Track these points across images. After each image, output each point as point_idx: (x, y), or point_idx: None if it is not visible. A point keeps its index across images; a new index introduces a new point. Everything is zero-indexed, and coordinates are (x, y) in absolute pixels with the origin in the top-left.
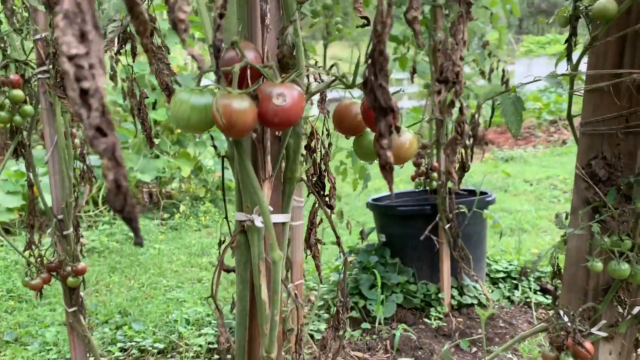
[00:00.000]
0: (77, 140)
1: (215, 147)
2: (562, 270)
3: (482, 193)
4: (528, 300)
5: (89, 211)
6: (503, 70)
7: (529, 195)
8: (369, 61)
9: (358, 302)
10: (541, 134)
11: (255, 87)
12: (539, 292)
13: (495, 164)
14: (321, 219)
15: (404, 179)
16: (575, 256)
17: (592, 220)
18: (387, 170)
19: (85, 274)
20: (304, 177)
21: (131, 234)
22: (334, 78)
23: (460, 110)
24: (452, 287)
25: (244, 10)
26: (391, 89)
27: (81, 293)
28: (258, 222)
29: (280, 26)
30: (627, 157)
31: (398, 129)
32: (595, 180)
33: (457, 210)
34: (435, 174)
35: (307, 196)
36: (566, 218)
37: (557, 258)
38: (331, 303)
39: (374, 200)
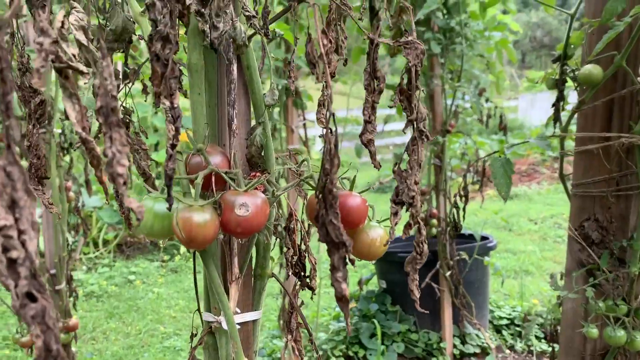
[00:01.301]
0: (71, 194)
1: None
2: (558, 332)
3: (484, 238)
4: (532, 348)
5: (88, 253)
6: (501, 117)
7: (533, 234)
8: (320, 196)
9: (358, 352)
10: (545, 170)
11: (219, 197)
12: (543, 340)
13: (495, 210)
14: (302, 301)
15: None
16: (571, 319)
17: (586, 283)
18: (343, 302)
19: (77, 329)
20: (285, 259)
21: (130, 277)
22: (300, 178)
23: (419, 230)
24: (454, 335)
25: (213, 112)
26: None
27: (73, 349)
28: (225, 324)
29: (249, 126)
30: (619, 220)
31: (353, 262)
32: (588, 242)
33: (458, 257)
34: (434, 221)
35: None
36: (561, 278)
37: (553, 320)
38: (330, 354)
39: None
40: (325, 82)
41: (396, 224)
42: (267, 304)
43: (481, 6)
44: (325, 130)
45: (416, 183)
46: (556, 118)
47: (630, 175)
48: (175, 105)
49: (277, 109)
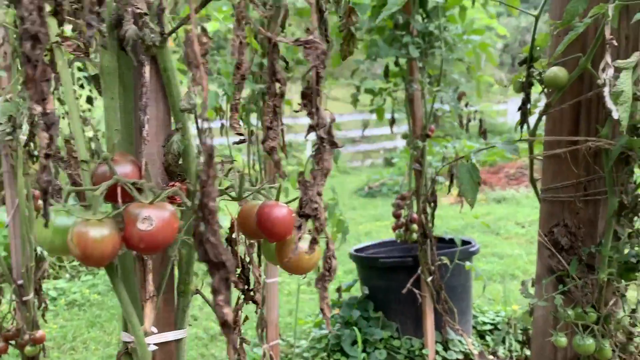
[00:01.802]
0: (40, 202)
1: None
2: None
3: (466, 242)
4: (514, 354)
5: (73, 261)
6: (480, 121)
7: (520, 238)
8: (199, 213)
9: (340, 359)
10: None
11: (122, 209)
12: (526, 346)
13: (476, 214)
14: (247, 317)
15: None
16: (541, 327)
17: (557, 290)
18: (226, 328)
19: (44, 342)
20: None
21: None
22: (224, 190)
23: (327, 246)
24: (436, 341)
25: (129, 117)
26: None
27: None
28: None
29: (167, 132)
30: (588, 226)
31: (236, 284)
32: (558, 248)
33: (439, 262)
34: (415, 226)
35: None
36: (532, 285)
37: (523, 329)
38: None
39: (356, 250)
40: (201, 85)
41: (300, 238)
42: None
43: (461, 10)
44: (199, 138)
45: (319, 194)
46: (522, 122)
47: (598, 180)
48: (48, 111)
49: (254, 115)
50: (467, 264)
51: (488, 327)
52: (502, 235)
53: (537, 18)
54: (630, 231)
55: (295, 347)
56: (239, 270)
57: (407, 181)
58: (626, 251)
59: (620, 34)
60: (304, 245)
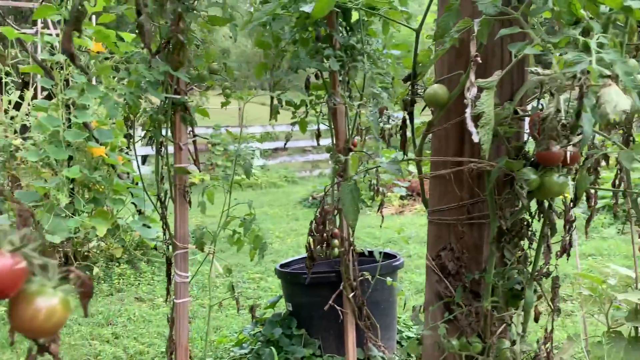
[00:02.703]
0: None
1: (134, 204)
2: None
3: (392, 256)
4: None
5: None
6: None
7: None
8: None
9: None
10: None
11: None
12: None
13: (398, 229)
14: None
15: None
16: (430, 355)
17: (444, 317)
18: None
19: None
20: None
21: None
22: None
23: None
24: (358, 359)
25: None
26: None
27: None
28: None
29: None
30: (473, 251)
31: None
32: (445, 273)
33: (361, 277)
34: (335, 241)
35: (196, 272)
36: (422, 311)
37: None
38: None
39: (281, 266)
40: None
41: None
42: (159, 333)
43: (384, 24)
44: None
45: None
46: (402, 142)
47: (482, 203)
48: None
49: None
50: (389, 279)
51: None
52: None
53: (417, 33)
54: (517, 256)
55: None
56: None
57: (331, 195)
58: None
59: (504, 49)
60: (43, 304)
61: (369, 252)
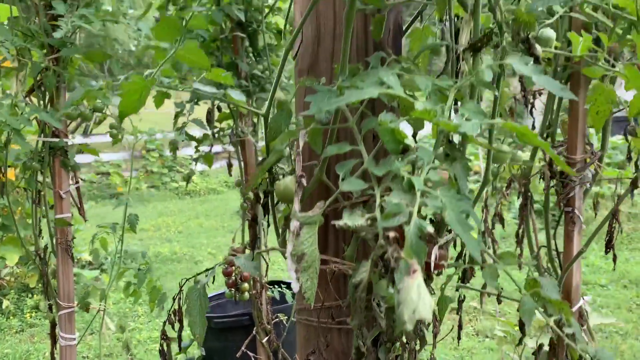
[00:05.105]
0: None
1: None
2: None
3: None
4: None
5: None
6: None
7: None
8: None
9: None
10: None
11: None
12: None
13: None
14: None
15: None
16: None
17: None
18: None
19: None
20: None
21: None
22: None
23: None
24: None
25: None
26: None
27: None
28: None
29: None
30: (342, 358)
31: None
32: None
33: (276, 320)
34: (245, 285)
35: (84, 334)
36: None
37: None
38: None
39: None
40: None
41: None
42: None
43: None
44: None
45: None
46: (252, 241)
47: (348, 308)
48: None
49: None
50: None
51: None
52: None
53: (265, 118)
54: None
55: None
56: None
57: (241, 234)
58: None
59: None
60: None
61: (287, 285)
